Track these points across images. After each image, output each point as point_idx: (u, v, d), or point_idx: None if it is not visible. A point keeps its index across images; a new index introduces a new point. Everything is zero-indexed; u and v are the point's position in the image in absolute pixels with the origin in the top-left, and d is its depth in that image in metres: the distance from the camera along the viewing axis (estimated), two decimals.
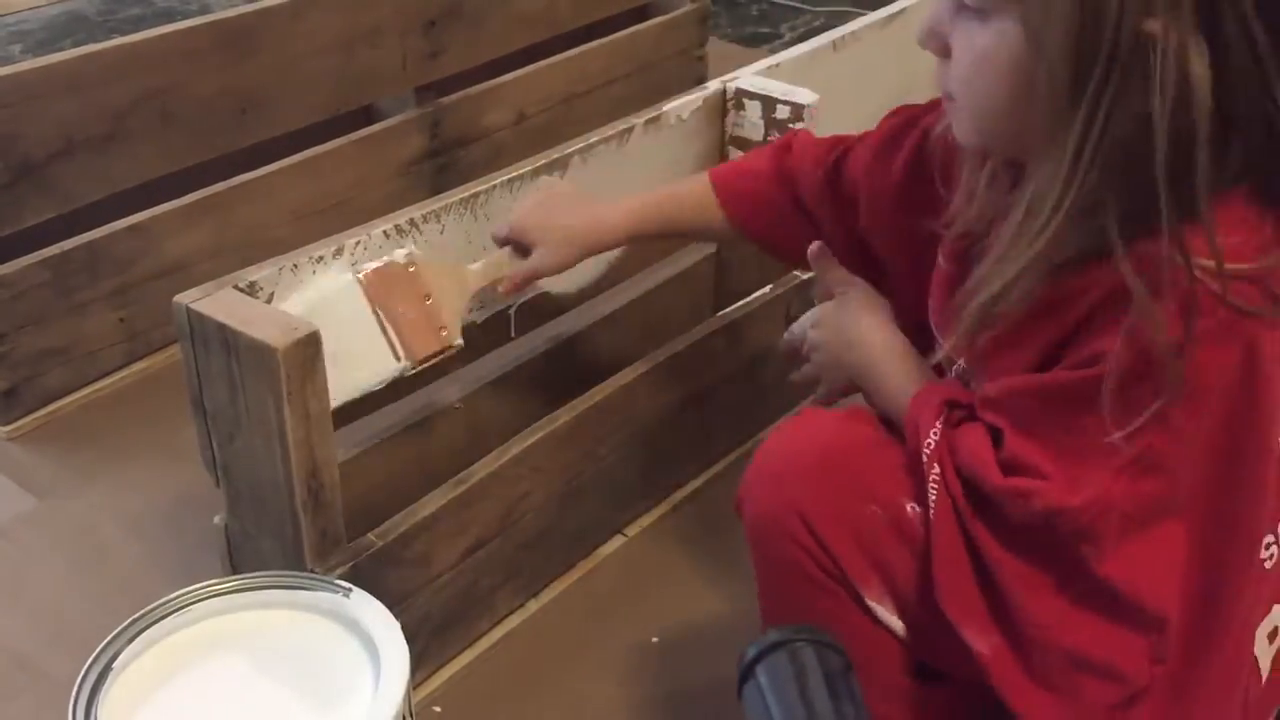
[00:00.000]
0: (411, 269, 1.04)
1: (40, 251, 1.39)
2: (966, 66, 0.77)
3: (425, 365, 1.06)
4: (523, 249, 1.10)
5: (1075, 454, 0.75)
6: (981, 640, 0.81)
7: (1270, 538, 0.81)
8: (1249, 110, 0.69)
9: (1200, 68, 0.67)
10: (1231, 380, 0.73)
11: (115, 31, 1.79)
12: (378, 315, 1.02)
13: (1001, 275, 0.76)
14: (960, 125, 0.82)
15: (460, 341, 1.07)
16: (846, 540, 0.85)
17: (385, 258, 1.03)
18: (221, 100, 1.52)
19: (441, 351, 1.06)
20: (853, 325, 0.95)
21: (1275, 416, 0.75)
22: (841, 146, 1.05)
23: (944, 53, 0.79)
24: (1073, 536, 0.76)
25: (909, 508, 0.84)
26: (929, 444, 0.81)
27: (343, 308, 1.01)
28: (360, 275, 1.02)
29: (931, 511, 0.81)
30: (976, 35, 0.75)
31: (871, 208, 1.01)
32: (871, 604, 0.86)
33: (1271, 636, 0.84)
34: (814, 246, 1.01)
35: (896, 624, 0.87)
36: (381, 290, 1.02)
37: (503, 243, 1.11)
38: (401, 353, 1.03)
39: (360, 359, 1.01)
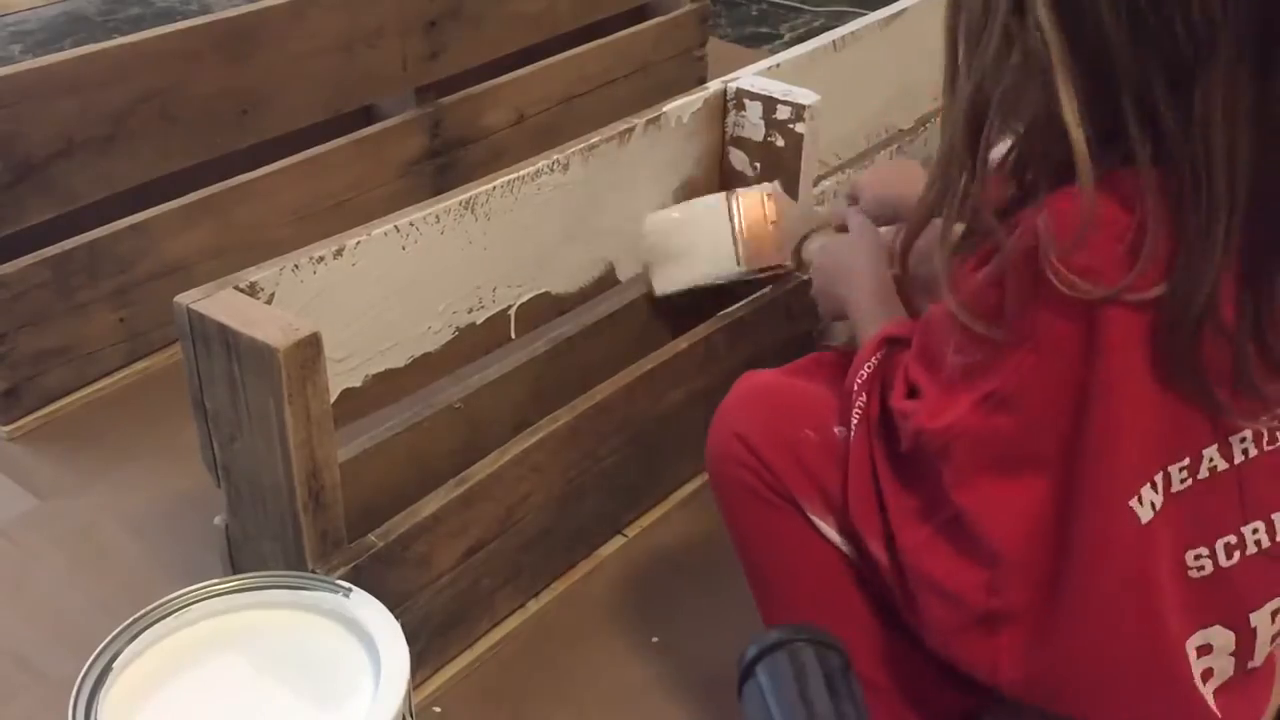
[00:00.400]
0: (769, 197, 1.29)
1: (40, 251, 1.39)
2: None
3: (759, 275, 1.31)
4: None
5: (945, 382, 0.81)
6: (880, 551, 0.89)
7: (1203, 549, 0.82)
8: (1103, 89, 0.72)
9: (1055, 36, 0.71)
10: (1072, 350, 0.75)
11: (115, 31, 1.79)
12: (735, 223, 1.28)
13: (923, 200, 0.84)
14: None
15: (791, 264, 1.31)
16: (785, 459, 0.93)
17: (753, 188, 1.31)
18: (221, 100, 1.52)
19: (774, 268, 1.31)
20: (850, 261, 1.07)
21: (1124, 394, 0.76)
22: None
23: None
24: (935, 457, 0.82)
25: (837, 430, 0.92)
26: (862, 375, 0.90)
27: (709, 213, 1.30)
28: (732, 193, 1.30)
29: (852, 434, 0.89)
30: None
31: None
32: (814, 519, 0.93)
33: (1201, 651, 0.85)
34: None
35: (836, 537, 0.93)
36: (745, 206, 1.29)
37: (852, 202, 1.19)
38: (744, 258, 1.29)
39: (708, 254, 1.29)
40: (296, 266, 1.03)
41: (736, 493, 0.97)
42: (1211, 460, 0.80)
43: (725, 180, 1.42)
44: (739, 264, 1.29)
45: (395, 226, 1.10)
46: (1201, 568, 0.82)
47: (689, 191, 1.40)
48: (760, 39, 2.61)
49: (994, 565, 0.82)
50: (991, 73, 0.75)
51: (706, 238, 1.29)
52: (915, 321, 0.90)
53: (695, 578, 1.22)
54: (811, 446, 0.93)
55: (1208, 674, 0.85)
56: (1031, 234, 0.73)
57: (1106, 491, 0.79)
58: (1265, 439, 0.80)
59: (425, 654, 1.09)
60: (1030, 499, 0.80)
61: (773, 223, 1.28)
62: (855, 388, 0.90)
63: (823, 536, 0.94)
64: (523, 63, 1.93)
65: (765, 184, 1.31)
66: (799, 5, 2.77)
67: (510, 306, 1.22)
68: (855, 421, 0.89)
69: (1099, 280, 0.72)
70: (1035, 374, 0.76)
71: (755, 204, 1.29)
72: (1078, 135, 0.71)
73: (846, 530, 0.92)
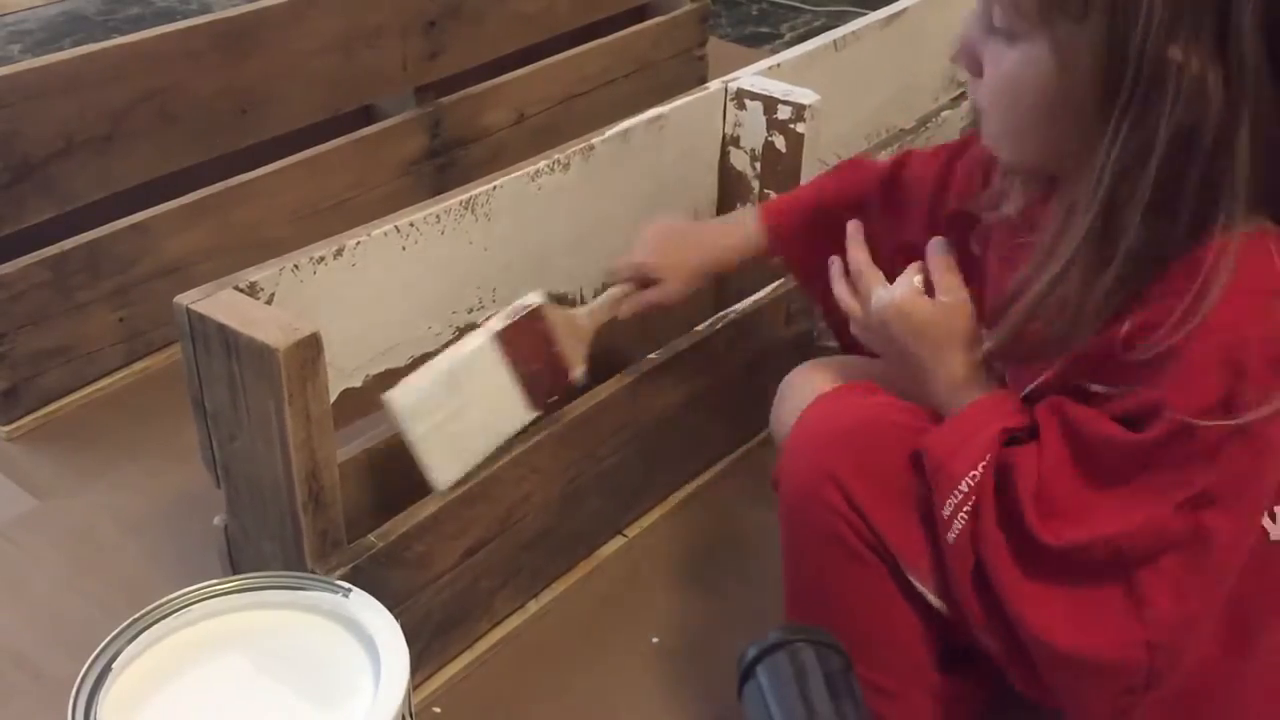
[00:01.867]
0: (538, 323, 1.07)
1: (40, 251, 1.39)
2: (995, 85, 0.81)
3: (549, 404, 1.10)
4: (643, 282, 1.14)
5: (1126, 490, 0.78)
6: (993, 641, 0.84)
7: None
8: (1257, 135, 0.73)
9: (1216, 90, 0.71)
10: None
11: (115, 31, 1.79)
12: (513, 371, 1.05)
13: (1045, 280, 0.79)
14: (990, 138, 0.86)
15: (582, 377, 1.11)
16: (888, 512, 0.87)
17: (514, 311, 1.06)
18: (221, 100, 1.52)
19: (565, 389, 1.11)
20: (947, 327, 0.92)
21: None
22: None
23: (976, 70, 0.83)
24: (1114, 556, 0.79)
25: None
26: (974, 475, 0.83)
27: (472, 372, 1.03)
28: (495, 333, 1.04)
29: (953, 533, 0.83)
30: (1005, 56, 0.79)
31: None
32: (915, 581, 0.88)
33: None
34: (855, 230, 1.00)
35: (936, 600, 0.88)
36: (513, 348, 1.04)
37: (626, 281, 1.14)
38: (532, 402, 1.07)
39: (488, 420, 1.05)
40: (296, 266, 1.03)
41: (820, 538, 0.90)
42: None
43: (725, 180, 1.42)
44: (531, 410, 1.07)
45: (395, 226, 1.10)
46: None
47: (689, 191, 1.40)
48: (760, 39, 2.61)
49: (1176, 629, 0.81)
50: (1155, 128, 0.73)
51: (480, 401, 1.04)
52: (1014, 404, 0.86)
53: (695, 578, 1.22)
54: (919, 498, 0.87)
55: None
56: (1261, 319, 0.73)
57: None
58: None
59: (425, 654, 1.09)
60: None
61: (552, 347, 1.08)
62: (966, 484, 0.83)
63: (913, 596, 0.89)
64: (523, 63, 1.93)
65: (527, 298, 1.07)
66: (799, 5, 2.77)
67: None
68: (956, 512, 0.83)
69: None
70: (1251, 467, 0.77)
71: (523, 334, 1.05)
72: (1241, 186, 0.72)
73: (945, 588, 0.87)
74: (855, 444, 0.89)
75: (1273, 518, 0.81)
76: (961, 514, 0.83)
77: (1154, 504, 0.77)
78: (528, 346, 1.05)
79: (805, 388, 1.00)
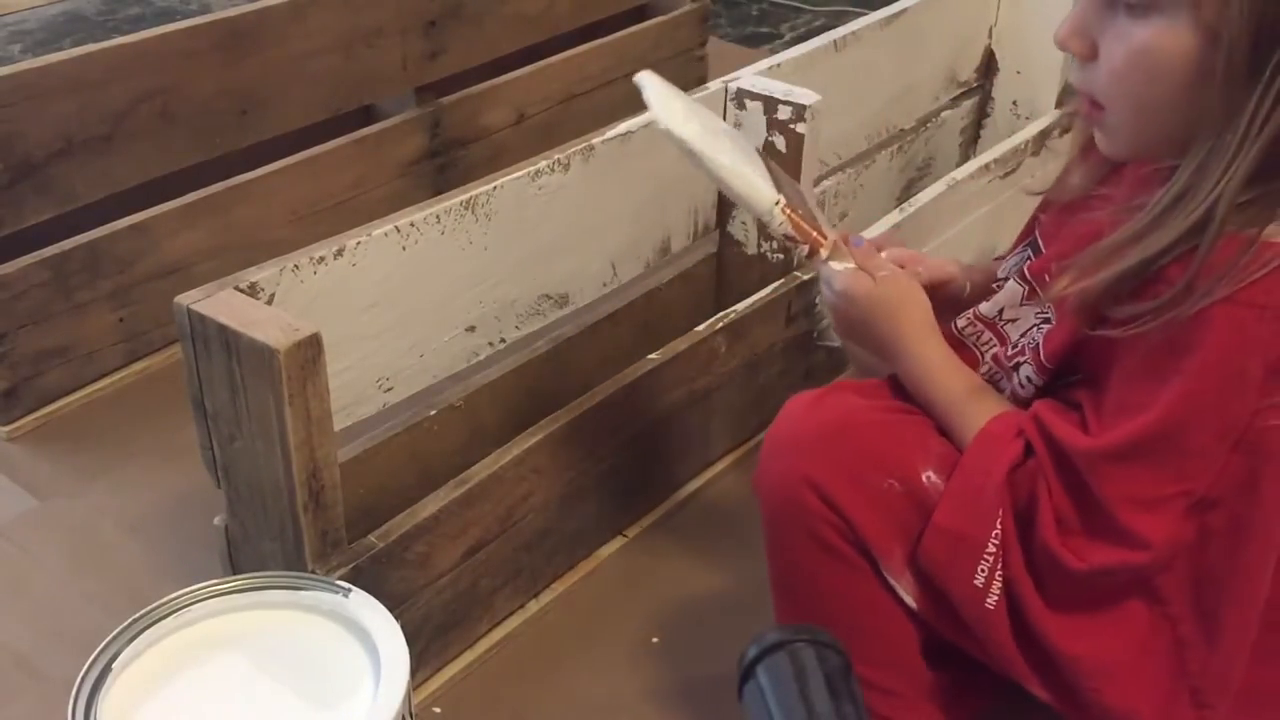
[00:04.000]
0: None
1: (40, 251, 1.39)
2: (1123, 65, 0.77)
3: (784, 234, 0.97)
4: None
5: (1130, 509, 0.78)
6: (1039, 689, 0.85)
7: None
8: None
9: None
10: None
11: (115, 31, 1.79)
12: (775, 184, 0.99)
13: (1158, 240, 0.76)
14: (1112, 132, 0.82)
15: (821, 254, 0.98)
16: (867, 514, 0.86)
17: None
18: (221, 100, 1.52)
19: (800, 240, 0.98)
20: (900, 298, 0.94)
21: None
22: None
23: (1090, 54, 0.79)
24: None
25: (925, 477, 0.85)
26: (996, 535, 0.82)
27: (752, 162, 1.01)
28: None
29: (991, 601, 0.82)
30: (1134, 33, 0.76)
31: None
32: (890, 579, 0.87)
33: None
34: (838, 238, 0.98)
35: (911, 601, 0.88)
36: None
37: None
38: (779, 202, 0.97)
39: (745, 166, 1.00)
40: (296, 267, 1.03)
41: (802, 543, 0.89)
42: None
43: None
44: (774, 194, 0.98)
45: (395, 226, 1.10)
46: None
47: (689, 191, 1.40)
48: (760, 39, 2.61)
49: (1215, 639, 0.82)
50: None
51: (750, 163, 1.01)
52: (1018, 412, 0.86)
53: (695, 578, 1.22)
54: (896, 498, 0.86)
55: None
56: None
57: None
58: None
59: (425, 654, 1.09)
60: None
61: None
62: (993, 545, 0.83)
63: (892, 595, 0.89)
64: (523, 63, 1.93)
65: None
66: (799, 5, 2.77)
67: (511, 306, 1.22)
68: (990, 577, 0.83)
69: None
70: (1250, 475, 0.78)
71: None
72: None
73: (927, 588, 0.87)
74: (829, 445, 0.88)
75: None
76: (996, 577, 0.82)
77: (1166, 518, 0.77)
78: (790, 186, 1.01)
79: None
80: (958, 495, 0.84)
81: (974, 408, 0.88)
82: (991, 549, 0.82)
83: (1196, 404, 0.76)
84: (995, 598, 0.82)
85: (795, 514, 0.88)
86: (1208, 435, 0.77)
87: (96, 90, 1.39)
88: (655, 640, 1.16)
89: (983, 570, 0.82)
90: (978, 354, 0.95)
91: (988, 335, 0.95)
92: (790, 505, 0.88)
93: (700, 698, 1.09)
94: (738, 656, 0.76)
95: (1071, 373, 0.87)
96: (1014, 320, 0.92)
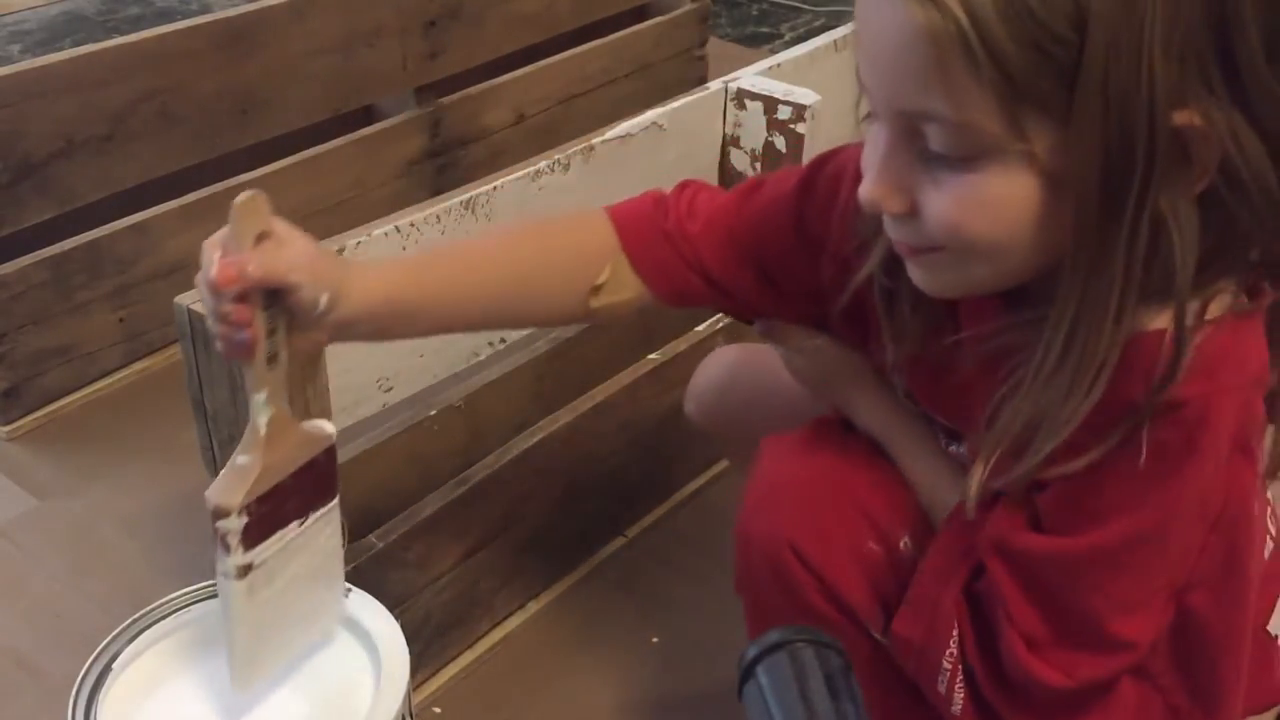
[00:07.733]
0: None
1: (40, 251, 1.39)
2: (958, 213, 0.68)
3: None
4: None
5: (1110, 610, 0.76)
6: None
7: None
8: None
9: (1251, 141, 0.64)
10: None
11: (115, 31, 1.79)
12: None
13: (1068, 414, 0.70)
14: (944, 274, 0.73)
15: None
16: (850, 579, 0.84)
17: None
18: (221, 100, 1.52)
19: None
20: (841, 395, 0.91)
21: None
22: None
23: (910, 209, 0.70)
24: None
25: (902, 543, 0.84)
26: (951, 653, 0.80)
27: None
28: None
29: (956, 708, 0.80)
30: (961, 183, 0.67)
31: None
32: (875, 634, 0.86)
33: None
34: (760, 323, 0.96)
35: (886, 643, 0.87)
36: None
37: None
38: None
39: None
40: None
41: (785, 607, 0.86)
42: None
43: (725, 180, 1.42)
44: None
45: (395, 226, 1.09)
46: None
47: None
48: (760, 39, 2.61)
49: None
50: (1169, 199, 0.64)
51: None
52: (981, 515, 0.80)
53: (695, 578, 1.22)
54: (878, 562, 0.84)
55: None
56: (1226, 417, 0.71)
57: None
58: None
59: (425, 654, 1.09)
60: None
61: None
62: (948, 662, 0.80)
63: (885, 652, 0.86)
64: (523, 63, 1.93)
65: None
66: (799, 5, 2.77)
67: None
68: (951, 685, 0.80)
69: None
70: (1231, 552, 0.77)
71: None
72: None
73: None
74: (811, 506, 0.85)
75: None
76: (957, 687, 0.81)
77: (1150, 615, 0.76)
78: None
79: (717, 362, 1.05)
80: (914, 604, 0.82)
81: (940, 496, 0.85)
82: (948, 665, 0.80)
83: (1175, 501, 0.73)
84: (959, 706, 0.80)
85: (781, 578, 0.86)
86: (1190, 526, 0.75)
87: (96, 90, 1.39)
88: (655, 640, 1.16)
89: (942, 681, 0.81)
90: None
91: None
92: (774, 570, 0.86)
93: (700, 698, 1.09)
94: (738, 656, 0.76)
95: None
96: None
